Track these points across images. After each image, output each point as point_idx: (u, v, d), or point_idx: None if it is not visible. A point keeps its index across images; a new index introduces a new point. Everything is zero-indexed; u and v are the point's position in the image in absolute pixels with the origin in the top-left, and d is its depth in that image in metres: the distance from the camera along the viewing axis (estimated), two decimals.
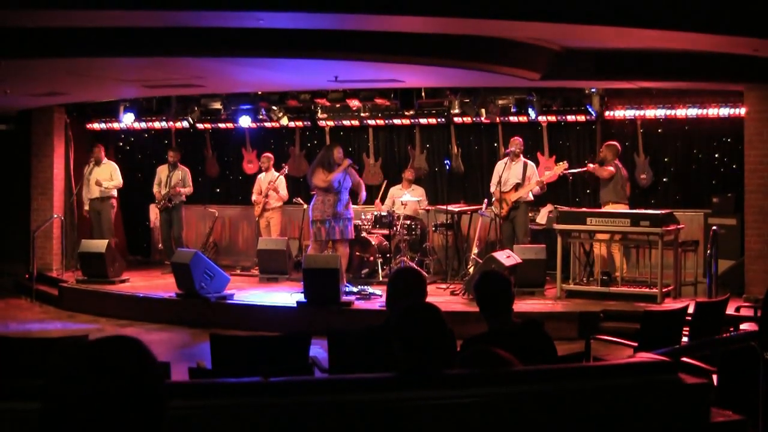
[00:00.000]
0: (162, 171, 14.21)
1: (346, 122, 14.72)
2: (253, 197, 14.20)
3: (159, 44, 8.82)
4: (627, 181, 12.04)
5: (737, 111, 12.01)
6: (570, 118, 13.35)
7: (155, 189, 14.20)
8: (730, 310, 8.19)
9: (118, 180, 14.15)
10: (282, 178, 14.05)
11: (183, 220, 14.34)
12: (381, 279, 12.24)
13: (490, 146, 14.19)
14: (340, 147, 11.98)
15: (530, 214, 12.45)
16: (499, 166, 12.39)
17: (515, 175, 12.19)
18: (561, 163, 12.32)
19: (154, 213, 15.71)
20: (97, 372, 1.93)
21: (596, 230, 11.22)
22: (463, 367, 3.69)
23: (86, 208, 14.22)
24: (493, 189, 12.23)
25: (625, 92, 12.61)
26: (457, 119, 13.86)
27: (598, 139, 13.23)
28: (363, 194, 12.05)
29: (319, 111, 14.55)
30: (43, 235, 14.41)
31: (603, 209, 11.61)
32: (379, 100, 13.37)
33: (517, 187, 12.12)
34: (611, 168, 11.74)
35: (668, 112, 12.73)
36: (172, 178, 14.01)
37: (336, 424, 3.31)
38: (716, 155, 12.89)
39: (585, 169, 12.20)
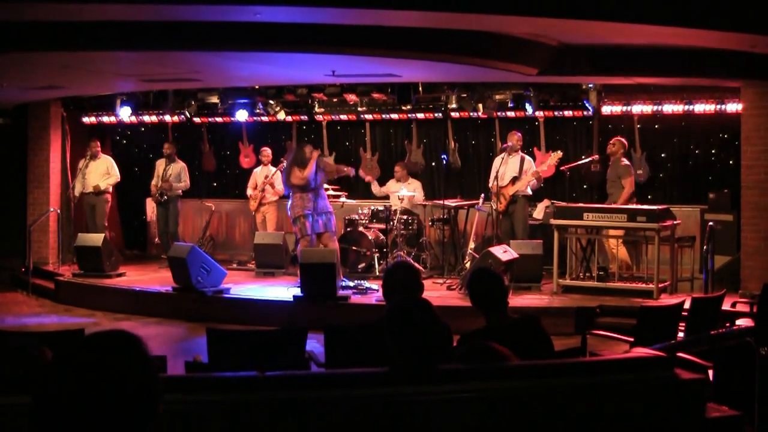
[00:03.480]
0: (159, 165, 14.19)
1: (343, 117, 14.70)
2: (249, 191, 14.20)
3: (156, 38, 8.81)
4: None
5: (734, 107, 12.01)
6: (567, 113, 13.35)
7: (153, 182, 14.18)
8: (726, 306, 8.22)
9: (116, 175, 14.11)
10: (279, 173, 14.03)
11: (179, 215, 14.30)
12: (378, 273, 12.24)
13: (487, 141, 14.20)
14: (311, 145, 11.98)
15: (528, 209, 12.44)
16: (497, 161, 12.40)
17: (512, 169, 12.19)
18: (555, 152, 12.40)
19: (150, 207, 15.69)
20: (92, 365, 1.93)
21: (593, 226, 11.23)
22: (459, 362, 3.70)
23: (75, 195, 14.17)
24: (491, 184, 12.23)
25: (622, 88, 12.60)
26: (454, 114, 13.85)
27: (595, 134, 13.24)
28: (348, 169, 12.23)
29: (316, 105, 14.52)
30: (39, 229, 14.38)
31: (607, 204, 11.63)
32: (376, 95, 13.36)
33: (514, 180, 12.12)
34: (629, 177, 11.75)
35: (665, 107, 12.71)
36: (167, 172, 14.00)
37: (332, 418, 3.31)
38: (713, 151, 12.91)
39: (592, 158, 12.35)
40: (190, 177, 14.30)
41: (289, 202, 11.56)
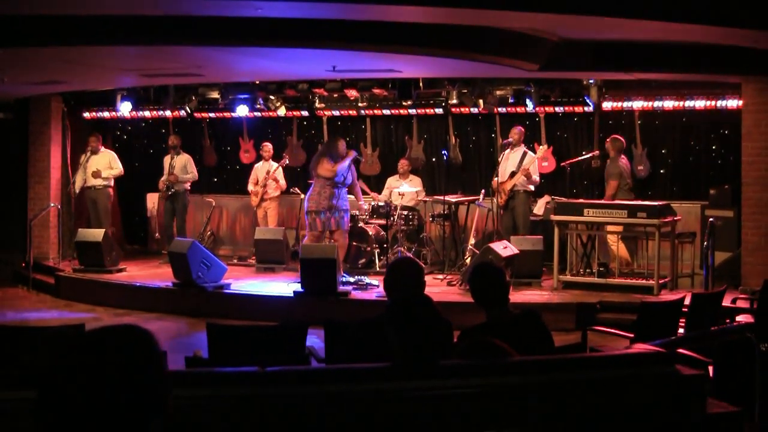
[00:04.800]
0: (166, 160, 14.14)
1: (344, 112, 14.70)
2: (249, 187, 14.17)
3: (157, 33, 8.79)
4: (630, 174, 12.03)
5: (735, 103, 11.99)
6: (568, 109, 13.34)
7: (162, 179, 14.07)
8: (726, 302, 8.22)
9: (119, 168, 14.05)
10: (281, 169, 14.03)
11: (186, 210, 14.17)
12: (378, 269, 12.24)
13: (488, 137, 14.19)
14: (344, 140, 12.02)
15: (530, 205, 12.42)
16: (501, 158, 12.41)
17: (512, 163, 12.20)
18: (542, 146, 12.43)
19: (151, 202, 15.69)
20: (98, 361, 1.93)
21: (593, 222, 11.22)
22: (460, 358, 3.70)
23: (75, 189, 14.14)
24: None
25: (623, 83, 12.58)
26: (455, 110, 13.84)
27: (596, 130, 13.23)
28: (359, 194, 12.52)
29: (317, 101, 14.52)
30: (40, 224, 14.36)
31: (603, 201, 11.62)
32: (377, 90, 13.35)
33: (512, 175, 12.13)
34: (614, 181, 11.72)
35: (666, 103, 12.69)
36: (174, 166, 13.96)
37: (332, 413, 3.31)
38: (714, 147, 12.89)
39: (592, 154, 12.48)
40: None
41: (309, 192, 11.61)
